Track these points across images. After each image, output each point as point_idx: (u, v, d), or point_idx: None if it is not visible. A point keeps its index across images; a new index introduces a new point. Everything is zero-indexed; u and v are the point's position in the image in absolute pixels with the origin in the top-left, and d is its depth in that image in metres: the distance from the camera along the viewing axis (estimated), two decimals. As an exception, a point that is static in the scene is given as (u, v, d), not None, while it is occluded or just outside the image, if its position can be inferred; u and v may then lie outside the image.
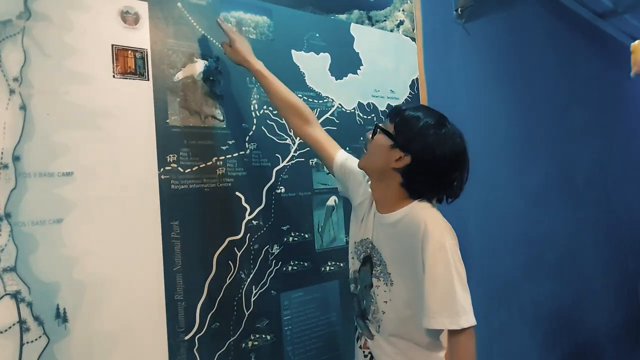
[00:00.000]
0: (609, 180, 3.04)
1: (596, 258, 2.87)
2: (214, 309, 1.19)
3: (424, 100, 1.87)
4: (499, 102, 2.30)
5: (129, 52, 1.13)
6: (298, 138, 1.40)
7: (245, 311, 1.26)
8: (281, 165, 1.39)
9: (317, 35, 1.53)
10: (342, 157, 1.20)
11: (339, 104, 1.57)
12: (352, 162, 1.17)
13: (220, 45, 1.26)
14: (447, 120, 1.01)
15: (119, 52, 1.11)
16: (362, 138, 1.61)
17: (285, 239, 1.37)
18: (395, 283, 1.00)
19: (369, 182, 1.10)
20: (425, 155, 0.95)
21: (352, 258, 1.16)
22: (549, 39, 2.69)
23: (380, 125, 1.03)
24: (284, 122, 1.37)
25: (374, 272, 1.05)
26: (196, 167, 1.21)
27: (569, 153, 2.71)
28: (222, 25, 1.22)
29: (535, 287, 2.39)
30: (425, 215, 0.95)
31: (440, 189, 1.00)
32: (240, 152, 1.31)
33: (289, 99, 1.22)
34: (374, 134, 1.04)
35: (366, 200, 1.11)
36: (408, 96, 1.81)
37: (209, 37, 1.26)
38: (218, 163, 1.25)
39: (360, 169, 1.09)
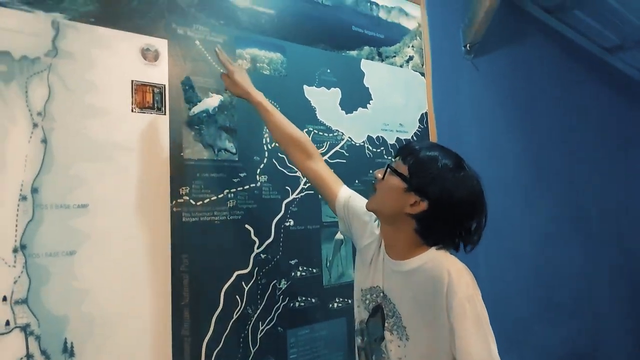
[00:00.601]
0: (623, 216, 3.00)
1: (612, 298, 2.80)
2: (220, 345, 1.19)
3: (433, 134, 1.89)
4: (508, 137, 2.31)
5: (148, 87, 1.17)
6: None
7: (252, 348, 1.25)
8: (291, 197, 1.41)
9: (329, 71, 1.57)
10: (346, 194, 1.12)
11: (349, 137, 1.60)
12: (356, 200, 1.10)
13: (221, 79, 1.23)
14: (464, 161, 0.94)
15: (138, 88, 1.15)
16: (370, 171, 1.63)
17: (293, 274, 1.37)
18: (412, 338, 0.92)
19: (376, 222, 1.04)
20: (443, 201, 0.88)
21: (359, 307, 1.06)
22: (558, 73, 2.72)
23: (392, 165, 0.95)
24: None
25: (386, 324, 0.96)
26: (208, 200, 1.23)
27: (580, 188, 2.69)
28: (219, 55, 1.19)
29: (548, 330, 2.33)
30: (448, 265, 0.88)
31: (457, 236, 0.93)
32: (251, 185, 1.32)
33: (291, 131, 1.17)
34: (385, 173, 0.96)
35: (373, 243, 1.04)
36: (417, 130, 1.84)
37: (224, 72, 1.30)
38: (229, 195, 1.27)
39: (369, 210, 1.01)
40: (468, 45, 2.12)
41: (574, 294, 2.52)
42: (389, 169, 0.95)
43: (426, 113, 1.88)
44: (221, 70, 1.26)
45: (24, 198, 0.96)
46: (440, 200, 0.88)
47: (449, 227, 0.92)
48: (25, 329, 0.93)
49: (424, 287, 0.90)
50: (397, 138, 1.75)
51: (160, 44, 1.20)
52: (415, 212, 0.90)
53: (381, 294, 0.99)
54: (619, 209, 2.98)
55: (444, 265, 0.88)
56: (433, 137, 1.89)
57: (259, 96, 1.18)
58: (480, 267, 1.93)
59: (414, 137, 1.82)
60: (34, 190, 0.97)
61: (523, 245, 2.27)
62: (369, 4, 1.75)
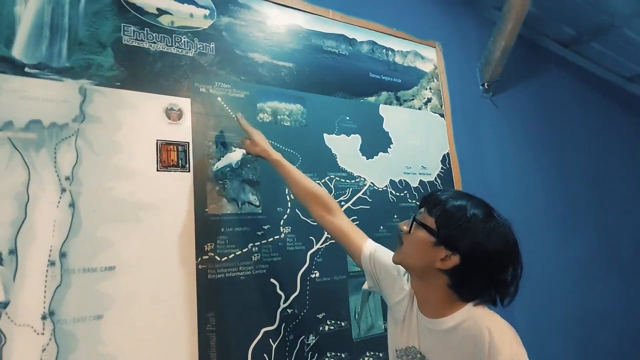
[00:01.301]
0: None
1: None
2: (249, 410, 1.15)
3: (456, 174, 1.86)
4: (533, 173, 2.26)
5: (172, 146, 1.19)
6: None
7: (281, 411, 1.20)
8: (315, 248, 1.38)
9: (348, 118, 1.58)
10: (371, 248, 1.07)
11: (371, 183, 1.58)
12: (383, 253, 1.05)
13: (241, 142, 1.28)
14: (494, 210, 0.89)
15: (163, 147, 1.17)
16: (395, 217, 1.60)
17: (320, 328, 1.33)
18: None
19: (406, 277, 0.99)
20: (475, 254, 0.83)
21: None
22: (580, 105, 2.69)
23: (418, 218, 0.91)
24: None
25: None
26: (232, 255, 1.22)
27: (612, 223, 2.59)
28: (240, 120, 1.25)
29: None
30: (489, 323, 0.82)
31: (493, 289, 0.87)
32: (275, 237, 1.31)
33: (310, 187, 1.15)
34: (412, 227, 0.91)
35: (405, 299, 0.98)
36: (440, 171, 1.81)
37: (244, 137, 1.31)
38: (253, 249, 1.26)
39: (396, 263, 0.97)
40: (486, 83, 2.12)
41: (616, 332, 2.37)
42: (415, 222, 0.91)
43: (448, 154, 1.87)
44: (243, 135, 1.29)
45: (52, 263, 0.97)
46: (473, 254, 0.83)
47: (484, 281, 0.86)
48: (51, 400, 0.91)
49: (464, 348, 0.84)
50: (420, 181, 1.73)
51: (184, 103, 1.23)
52: (446, 268, 0.85)
53: (418, 355, 0.93)
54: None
55: (484, 323, 0.83)
56: (456, 177, 1.86)
57: (276, 154, 1.20)
58: (515, 312, 1.83)
59: (437, 179, 1.79)
60: (62, 255, 0.98)
61: (558, 287, 2.17)
62: (384, 50, 1.78)
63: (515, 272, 0.86)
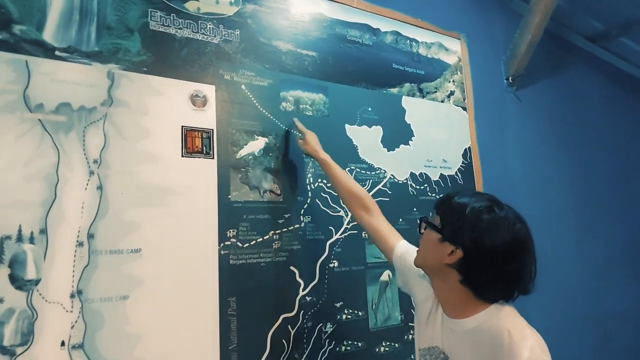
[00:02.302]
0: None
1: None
2: (267, 393, 1.17)
3: (477, 169, 1.85)
4: (555, 170, 2.23)
5: (197, 132, 1.20)
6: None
7: (298, 397, 1.22)
8: (334, 238, 1.39)
9: (370, 109, 1.57)
10: (403, 249, 1.10)
11: (392, 175, 1.58)
12: (413, 254, 1.05)
13: (295, 132, 1.36)
14: (499, 203, 0.88)
15: (188, 133, 1.19)
16: (414, 209, 1.60)
17: (338, 317, 1.34)
18: None
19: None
20: (477, 246, 0.83)
21: None
22: (605, 103, 2.63)
23: (425, 218, 0.95)
24: (337, 194, 1.36)
25: None
26: (254, 242, 1.23)
27: (632, 222, 2.54)
28: (297, 123, 1.35)
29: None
30: (510, 325, 0.81)
31: (506, 284, 0.86)
32: (296, 226, 1.32)
33: (352, 188, 1.23)
34: (421, 227, 0.95)
35: (429, 300, 0.99)
36: (461, 165, 1.80)
37: (269, 115, 1.32)
38: (274, 237, 1.27)
39: (417, 266, 0.99)
40: (510, 77, 2.09)
41: (633, 332, 2.34)
42: (423, 223, 0.95)
43: (469, 148, 1.85)
44: (275, 120, 1.35)
45: (80, 244, 0.99)
46: (473, 246, 0.84)
47: (492, 275, 0.85)
48: (80, 375, 0.94)
49: (485, 349, 0.83)
50: (441, 174, 1.72)
51: (208, 90, 1.24)
52: (452, 262, 0.87)
53: (441, 355, 0.93)
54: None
55: (504, 325, 0.82)
56: (477, 172, 1.84)
57: (324, 155, 1.29)
58: (531, 311, 1.82)
59: (458, 173, 1.78)
60: (90, 236, 1.00)
61: (575, 286, 2.14)
62: (408, 40, 1.76)
63: (526, 267, 0.85)
